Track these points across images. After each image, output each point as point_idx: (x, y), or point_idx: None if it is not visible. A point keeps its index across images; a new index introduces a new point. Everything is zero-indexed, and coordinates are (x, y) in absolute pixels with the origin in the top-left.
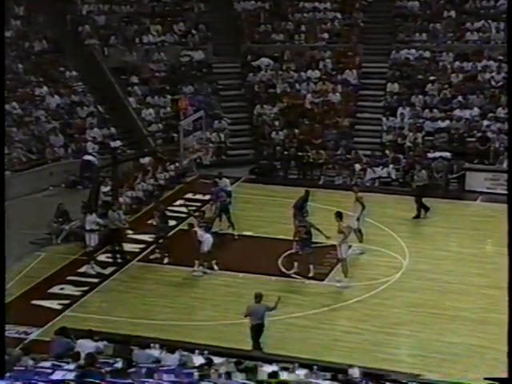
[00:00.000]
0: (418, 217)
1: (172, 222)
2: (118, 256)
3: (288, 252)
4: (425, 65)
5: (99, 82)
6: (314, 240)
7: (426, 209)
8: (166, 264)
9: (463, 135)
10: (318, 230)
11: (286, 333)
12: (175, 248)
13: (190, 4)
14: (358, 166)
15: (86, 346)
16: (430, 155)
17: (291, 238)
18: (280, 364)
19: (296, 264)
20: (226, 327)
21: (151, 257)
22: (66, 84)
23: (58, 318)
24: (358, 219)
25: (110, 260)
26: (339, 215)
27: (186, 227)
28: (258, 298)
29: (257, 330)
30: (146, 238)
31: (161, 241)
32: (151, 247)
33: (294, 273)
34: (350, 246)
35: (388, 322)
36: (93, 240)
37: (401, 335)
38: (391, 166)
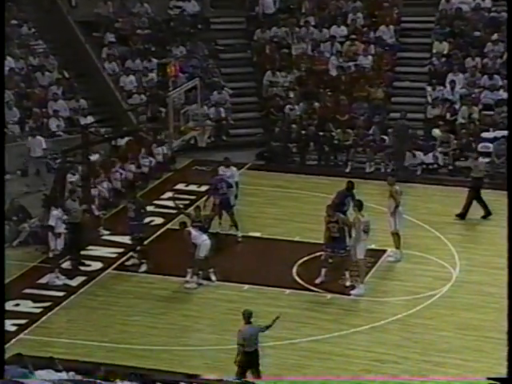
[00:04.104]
0: (463, 216)
1: (159, 220)
2: (74, 262)
3: (306, 258)
4: (483, 18)
5: (65, 40)
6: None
7: (487, 212)
8: (143, 273)
9: None
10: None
11: (304, 360)
12: (162, 253)
13: None
14: (409, 155)
15: (47, 377)
16: (488, 135)
17: (310, 240)
18: None
19: (324, 271)
20: (225, 353)
21: (127, 263)
22: (21, 43)
23: (11, 342)
24: (392, 219)
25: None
26: (360, 204)
27: (176, 227)
28: (248, 317)
29: (254, 358)
30: (126, 240)
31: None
32: (130, 252)
33: (320, 283)
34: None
35: (433, 348)
36: (58, 242)
37: (449, 365)
38: (438, 148)
